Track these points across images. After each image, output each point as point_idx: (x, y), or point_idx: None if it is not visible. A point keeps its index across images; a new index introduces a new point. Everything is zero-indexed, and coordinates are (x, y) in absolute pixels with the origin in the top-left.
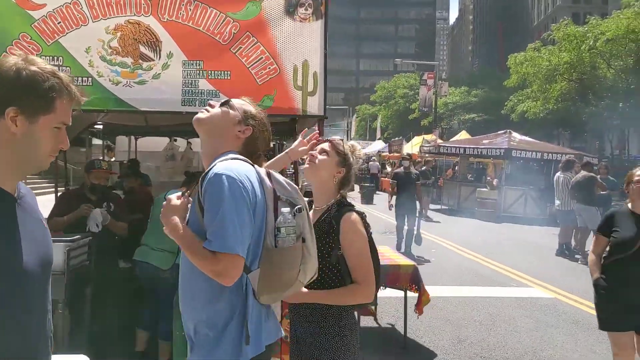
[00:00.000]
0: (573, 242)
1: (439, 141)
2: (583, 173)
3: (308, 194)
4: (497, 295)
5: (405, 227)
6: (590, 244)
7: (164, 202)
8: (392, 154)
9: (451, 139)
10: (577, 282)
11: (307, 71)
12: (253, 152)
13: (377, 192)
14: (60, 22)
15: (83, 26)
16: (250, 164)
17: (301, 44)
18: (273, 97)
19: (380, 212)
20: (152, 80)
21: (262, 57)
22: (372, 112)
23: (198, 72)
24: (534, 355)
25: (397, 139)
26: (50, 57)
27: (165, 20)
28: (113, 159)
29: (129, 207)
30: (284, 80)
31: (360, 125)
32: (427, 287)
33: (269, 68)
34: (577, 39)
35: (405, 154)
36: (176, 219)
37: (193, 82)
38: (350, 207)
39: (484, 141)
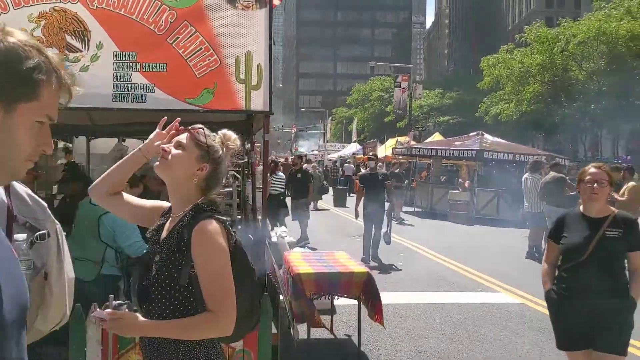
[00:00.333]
0: (543, 245)
1: (413, 143)
2: (552, 174)
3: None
4: (463, 302)
5: (373, 231)
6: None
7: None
8: (366, 157)
9: (425, 141)
10: None
11: (250, 63)
12: None
13: (351, 194)
14: None
15: (3, 14)
16: None
17: (244, 34)
18: (213, 91)
19: (352, 214)
20: (80, 73)
21: (201, 48)
22: (349, 114)
23: (131, 64)
24: None
25: (371, 141)
26: None
27: (95, 7)
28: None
29: (68, 216)
30: (225, 73)
31: (336, 128)
32: (390, 294)
33: (209, 60)
34: (549, 41)
35: (370, 154)
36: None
37: (125, 75)
38: (210, 214)
39: (456, 143)
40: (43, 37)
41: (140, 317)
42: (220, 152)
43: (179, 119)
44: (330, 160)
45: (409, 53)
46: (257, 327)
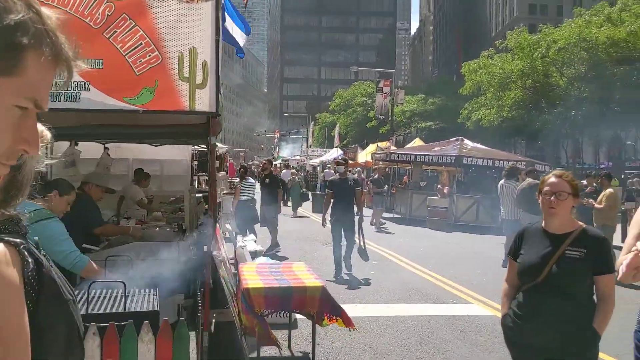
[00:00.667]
0: None
1: (393, 148)
2: (528, 180)
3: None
4: (433, 314)
5: (343, 241)
6: None
7: None
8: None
9: (405, 146)
10: None
11: (194, 60)
12: None
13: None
14: None
15: None
16: None
17: (187, 28)
18: (154, 90)
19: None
20: None
21: (141, 43)
22: (332, 120)
23: None
24: None
25: (352, 146)
26: None
27: None
28: None
29: None
30: (167, 70)
31: (320, 134)
32: (358, 307)
33: (150, 56)
34: (530, 46)
35: (340, 158)
36: None
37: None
38: None
39: (436, 148)
40: None
41: None
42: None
43: None
44: (312, 165)
45: (394, 59)
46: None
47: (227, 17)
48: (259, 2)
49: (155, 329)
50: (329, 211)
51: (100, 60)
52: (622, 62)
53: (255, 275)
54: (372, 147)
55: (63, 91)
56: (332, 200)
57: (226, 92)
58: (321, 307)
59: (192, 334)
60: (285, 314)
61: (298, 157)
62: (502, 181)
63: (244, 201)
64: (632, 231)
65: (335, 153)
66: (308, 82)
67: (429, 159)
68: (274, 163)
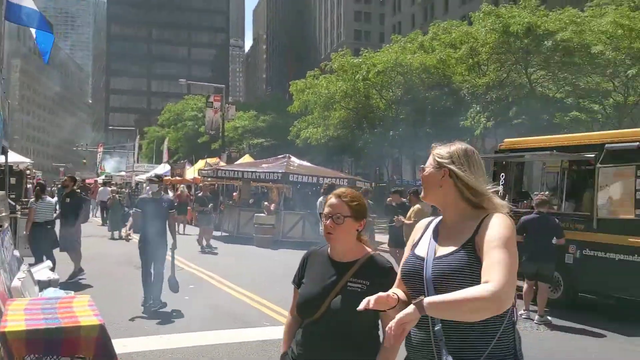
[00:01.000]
0: None
1: (222, 164)
2: None
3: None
4: (242, 340)
5: (153, 266)
6: None
7: None
8: (174, 178)
9: (235, 163)
10: None
11: None
12: None
13: None
14: None
15: None
16: None
17: None
18: None
19: None
20: None
21: None
22: (162, 134)
23: None
24: None
25: (180, 162)
26: None
27: None
28: None
29: None
30: None
31: (149, 148)
32: (164, 337)
33: None
34: (353, 69)
35: (153, 175)
36: None
37: None
38: None
39: (263, 165)
40: None
41: None
42: None
43: None
44: (138, 182)
45: (227, 75)
46: None
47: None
48: (84, 9)
49: None
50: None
51: None
52: (433, 87)
53: (21, 314)
54: (201, 163)
55: None
56: (140, 220)
57: (43, 100)
58: (98, 350)
59: None
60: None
61: (124, 173)
62: (320, 198)
63: (40, 223)
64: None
65: (163, 169)
66: (137, 94)
67: (256, 176)
68: (98, 180)
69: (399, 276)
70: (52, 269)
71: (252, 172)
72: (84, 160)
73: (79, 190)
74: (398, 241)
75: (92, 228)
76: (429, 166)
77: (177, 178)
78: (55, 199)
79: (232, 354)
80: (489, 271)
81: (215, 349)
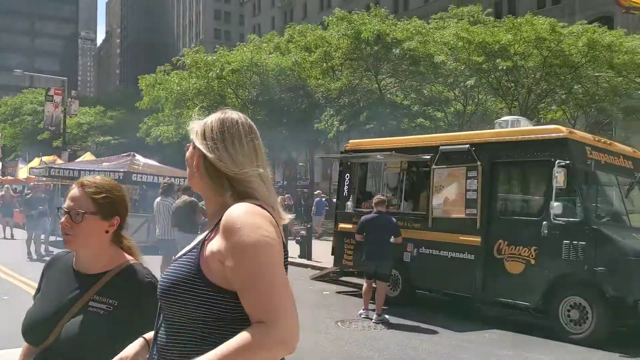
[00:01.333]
0: None
1: (59, 162)
2: (183, 198)
3: None
4: None
5: None
6: None
7: None
8: (5, 178)
9: (75, 161)
10: None
11: None
12: None
13: None
14: None
15: None
16: None
17: None
18: None
19: None
20: None
21: None
22: None
23: None
24: None
25: (14, 160)
26: None
27: None
28: None
29: None
30: None
31: None
32: None
33: None
34: (207, 66)
35: None
36: None
37: None
38: None
39: (104, 164)
40: None
41: None
42: None
43: None
44: None
45: (76, 68)
46: None
47: None
48: None
49: None
50: None
51: None
52: (289, 89)
53: None
54: (36, 162)
55: None
56: None
57: None
58: None
59: None
60: None
61: None
62: (158, 199)
63: None
64: None
65: None
66: None
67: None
68: None
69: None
70: None
71: (89, 171)
72: None
73: None
74: None
75: None
76: (189, 145)
77: (9, 178)
78: None
79: None
80: (256, 305)
81: None
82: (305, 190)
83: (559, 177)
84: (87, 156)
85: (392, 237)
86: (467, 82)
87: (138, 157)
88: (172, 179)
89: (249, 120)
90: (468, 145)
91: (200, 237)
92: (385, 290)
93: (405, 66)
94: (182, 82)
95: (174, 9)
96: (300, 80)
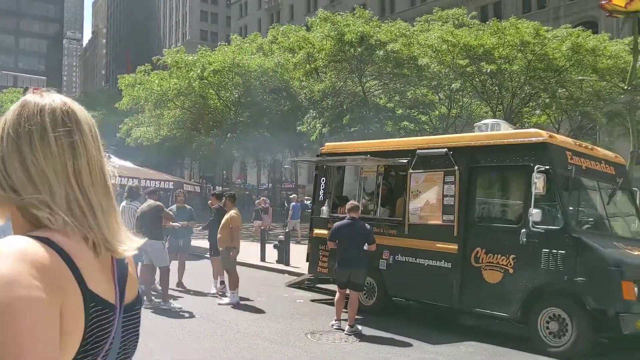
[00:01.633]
0: (158, 285)
1: None
2: (149, 202)
3: None
4: None
5: None
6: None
7: None
8: None
9: None
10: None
11: None
12: None
13: None
14: None
15: None
16: None
17: None
18: None
19: None
20: None
21: None
22: None
23: None
24: None
25: None
26: None
27: None
28: None
29: None
30: None
31: None
32: None
33: None
34: (188, 66)
35: None
36: None
37: None
38: None
39: None
40: None
41: None
42: None
43: None
44: None
45: (61, 68)
46: None
47: None
48: None
49: None
50: None
51: None
52: (272, 91)
53: None
54: None
55: None
56: None
57: None
58: None
59: None
60: None
61: None
62: (123, 203)
63: None
64: None
65: None
66: None
67: None
68: None
69: None
70: None
71: None
72: None
73: None
74: (215, 249)
75: None
76: None
77: None
78: None
79: None
80: None
81: None
82: (290, 193)
83: (538, 183)
84: None
85: (366, 244)
86: (452, 86)
87: (113, 158)
88: (135, 182)
89: (75, 105)
90: (445, 149)
91: None
92: (360, 299)
93: (389, 69)
94: (163, 82)
95: (160, 9)
96: (283, 81)
